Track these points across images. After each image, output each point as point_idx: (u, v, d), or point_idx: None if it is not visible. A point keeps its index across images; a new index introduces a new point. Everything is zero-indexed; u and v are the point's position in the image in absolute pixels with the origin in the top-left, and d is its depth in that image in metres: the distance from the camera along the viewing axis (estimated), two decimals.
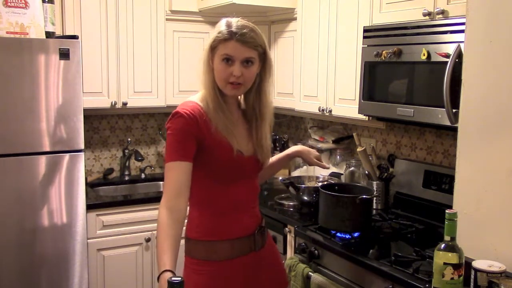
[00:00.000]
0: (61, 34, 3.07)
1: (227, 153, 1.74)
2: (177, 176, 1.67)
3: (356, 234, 2.36)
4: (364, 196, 2.33)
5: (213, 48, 1.73)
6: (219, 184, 1.80)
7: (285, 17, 3.35)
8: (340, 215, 2.36)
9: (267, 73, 1.81)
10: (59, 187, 2.84)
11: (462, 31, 1.84)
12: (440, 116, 2.14)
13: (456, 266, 1.64)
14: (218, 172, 1.77)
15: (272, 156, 2.08)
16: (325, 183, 2.78)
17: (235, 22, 1.72)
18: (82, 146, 2.90)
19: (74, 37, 2.87)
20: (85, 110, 2.92)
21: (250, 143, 1.84)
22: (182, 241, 1.72)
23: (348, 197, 2.37)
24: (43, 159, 2.79)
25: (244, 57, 1.70)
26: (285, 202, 2.97)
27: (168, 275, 1.47)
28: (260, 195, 1.97)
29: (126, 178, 3.69)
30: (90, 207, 3.01)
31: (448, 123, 2.09)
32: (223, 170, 1.77)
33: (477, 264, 1.64)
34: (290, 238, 2.71)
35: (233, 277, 1.80)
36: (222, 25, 1.72)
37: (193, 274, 1.79)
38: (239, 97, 1.88)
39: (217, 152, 1.74)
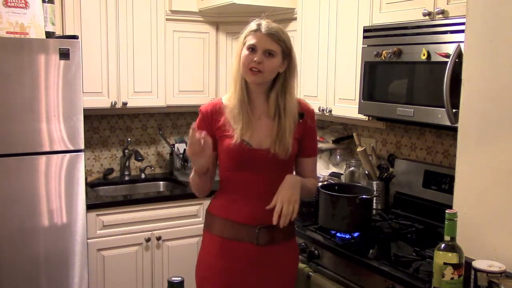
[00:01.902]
0: (61, 34, 3.07)
1: (230, 142, 1.92)
2: None
3: (356, 234, 2.37)
4: (364, 196, 2.33)
5: (243, 40, 1.93)
6: (227, 170, 1.99)
7: (285, 17, 3.35)
8: (340, 215, 2.36)
9: (291, 73, 1.97)
10: (59, 187, 2.84)
11: (462, 31, 1.84)
12: (440, 116, 2.14)
13: (456, 266, 1.64)
14: (224, 159, 1.98)
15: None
16: (325, 183, 2.78)
17: (264, 20, 1.95)
18: (82, 146, 2.89)
19: (74, 37, 2.86)
20: (85, 110, 2.92)
21: (269, 138, 1.95)
22: None
23: (348, 197, 2.37)
24: (43, 159, 2.79)
25: (266, 48, 1.88)
26: None
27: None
28: None
29: (126, 178, 3.69)
30: (90, 207, 3.01)
31: (448, 123, 2.09)
32: (227, 157, 1.96)
33: (477, 264, 1.64)
34: None
35: (234, 257, 1.96)
36: (253, 22, 1.95)
37: (204, 242, 2.07)
38: (266, 93, 1.99)
39: (223, 141, 1.95)
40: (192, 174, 2.00)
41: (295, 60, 1.97)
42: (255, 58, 1.86)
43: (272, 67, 1.89)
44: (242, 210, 1.95)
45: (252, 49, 1.88)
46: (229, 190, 2.00)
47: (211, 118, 1.96)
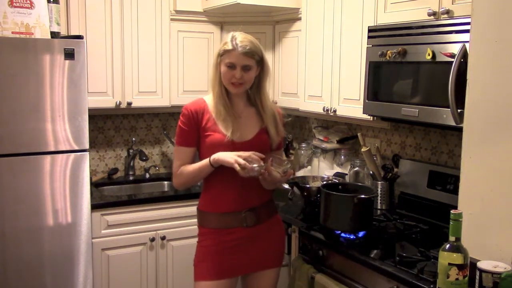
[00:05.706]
0: (66, 34, 3.08)
1: (217, 138, 2.20)
2: (179, 157, 2.29)
3: (360, 234, 2.36)
4: (362, 196, 2.32)
5: (220, 55, 2.21)
6: None
7: (290, 17, 3.35)
8: (339, 215, 2.36)
9: (265, 75, 2.30)
10: (64, 186, 2.85)
11: (467, 31, 1.84)
12: (445, 116, 2.14)
13: (461, 267, 1.64)
14: (209, 153, 2.21)
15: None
16: (329, 182, 2.78)
17: (238, 35, 2.20)
18: (87, 146, 2.90)
19: (79, 37, 2.87)
20: (90, 110, 2.92)
21: (251, 132, 2.26)
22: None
23: (346, 197, 2.37)
24: (48, 159, 2.80)
25: (243, 64, 2.18)
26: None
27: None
28: None
29: (131, 178, 3.70)
30: (94, 206, 3.02)
31: (453, 123, 2.09)
32: (211, 151, 2.20)
33: (482, 264, 1.64)
34: (294, 238, 2.71)
35: (223, 243, 2.26)
36: (228, 38, 2.20)
37: (199, 236, 2.36)
38: (247, 94, 2.32)
39: (209, 136, 2.22)
40: (193, 169, 2.25)
41: (267, 63, 2.29)
42: (236, 75, 2.17)
43: (251, 77, 2.23)
44: (228, 200, 2.25)
45: (231, 66, 2.17)
46: (214, 183, 2.27)
47: (198, 114, 2.24)
